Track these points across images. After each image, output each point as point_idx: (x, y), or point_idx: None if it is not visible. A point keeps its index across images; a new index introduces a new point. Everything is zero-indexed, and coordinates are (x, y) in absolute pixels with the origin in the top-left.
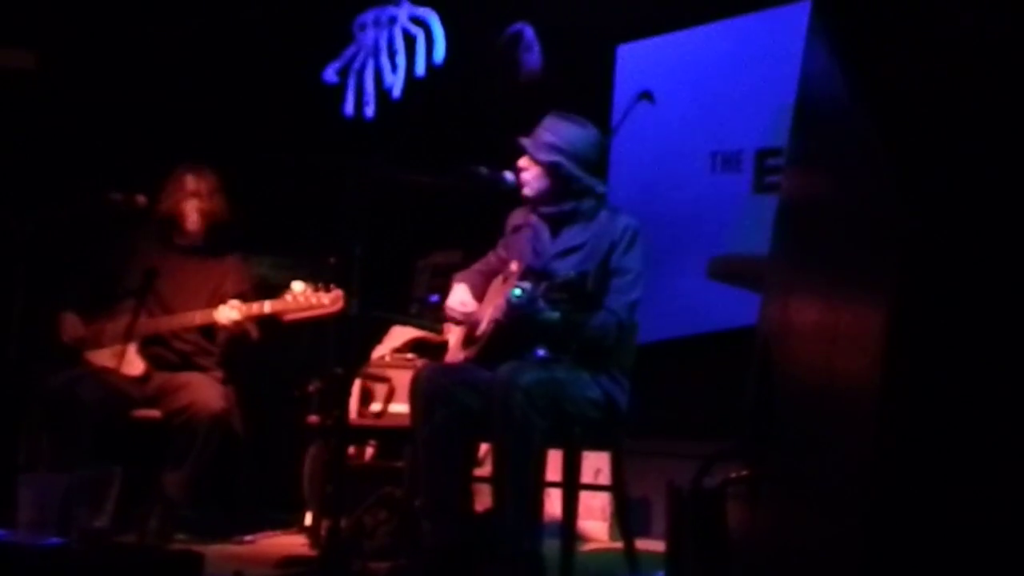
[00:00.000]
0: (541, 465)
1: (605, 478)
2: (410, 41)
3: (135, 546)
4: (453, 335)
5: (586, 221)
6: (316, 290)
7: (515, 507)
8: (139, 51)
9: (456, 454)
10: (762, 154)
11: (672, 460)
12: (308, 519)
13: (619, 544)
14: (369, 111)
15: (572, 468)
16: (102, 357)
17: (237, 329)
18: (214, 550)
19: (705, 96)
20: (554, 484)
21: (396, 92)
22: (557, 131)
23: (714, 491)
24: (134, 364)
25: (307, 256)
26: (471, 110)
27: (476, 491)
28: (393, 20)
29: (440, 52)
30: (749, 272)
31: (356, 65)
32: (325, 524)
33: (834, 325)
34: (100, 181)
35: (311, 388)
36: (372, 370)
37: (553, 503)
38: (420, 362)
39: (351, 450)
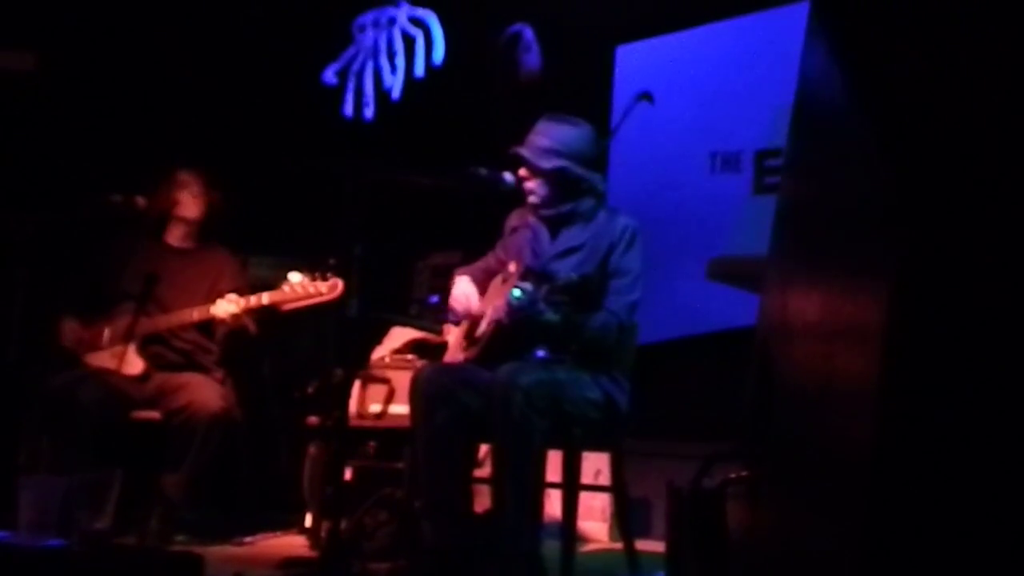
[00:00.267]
0: (541, 466)
1: (605, 479)
2: (409, 42)
3: (135, 548)
4: (453, 336)
5: (585, 222)
6: (314, 279)
7: (515, 508)
8: (139, 53)
9: (456, 455)
10: (761, 155)
11: (672, 461)
12: (308, 520)
13: (619, 545)
14: (368, 112)
15: (572, 469)
16: (102, 358)
17: (235, 323)
18: (214, 551)
19: (705, 97)
20: (554, 485)
21: (395, 93)
22: (553, 135)
23: (714, 491)
24: (133, 364)
25: (307, 257)
26: (470, 111)
27: (476, 492)
28: (392, 21)
29: (439, 53)
30: (749, 273)
31: (355, 66)
32: (325, 525)
33: (833, 325)
34: (100, 183)
35: (311, 389)
36: (372, 371)
37: (553, 504)
38: (420, 363)
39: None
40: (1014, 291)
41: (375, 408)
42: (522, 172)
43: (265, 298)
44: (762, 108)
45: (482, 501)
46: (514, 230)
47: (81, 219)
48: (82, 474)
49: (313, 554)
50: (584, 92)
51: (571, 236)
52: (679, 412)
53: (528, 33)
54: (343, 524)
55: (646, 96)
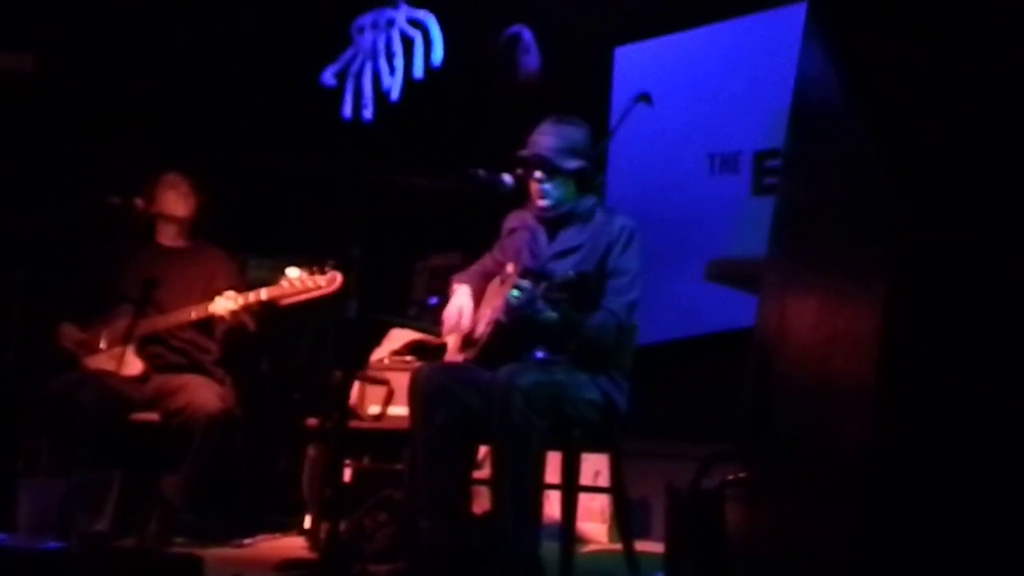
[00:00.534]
0: (540, 467)
1: (604, 480)
2: (408, 44)
3: (134, 550)
4: (452, 337)
5: (583, 222)
6: (312, 273)
7: (514, 509)
8: (137, 54)
9: (455, 456)
10: (760, 156)
11: (671, 462)
12: (307, 522)
13: (618, 546)
14: (367, 114)
15: (571, 470)
16: (100, 361)
17: (234, 320)
18: (213, 553)
19: (703, 98)
20: (553, 486)
21: (394, 95)
22: (565, 135)
23: (713, 492)
24: (132, 364)
25: (306, 259)
26: (469, 113)
27: (475, 493)
28: (391, 23)
29: (438, 54)
30: (747, 274)
31: (354, 68)
32: (324, 527)
33: (831, 326)
34: (98, 185)
35: (310, 390)
36: (371, 373)
37: (552, 505)
38: (419, 364)
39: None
40: (1010, 292)
41: (374, 409)
42: (539, 175)
43: (263, 294)
44: (760, 109)
45: (481, 502)
46: (512, 231)
47: (79, 220)
48: (81, 476)
49: (312, 556)
50: (583, 93)
51: (569, 236)
52: (678, 413)
53: (527, 34)
54: (342, 525)
55: (645, 97)
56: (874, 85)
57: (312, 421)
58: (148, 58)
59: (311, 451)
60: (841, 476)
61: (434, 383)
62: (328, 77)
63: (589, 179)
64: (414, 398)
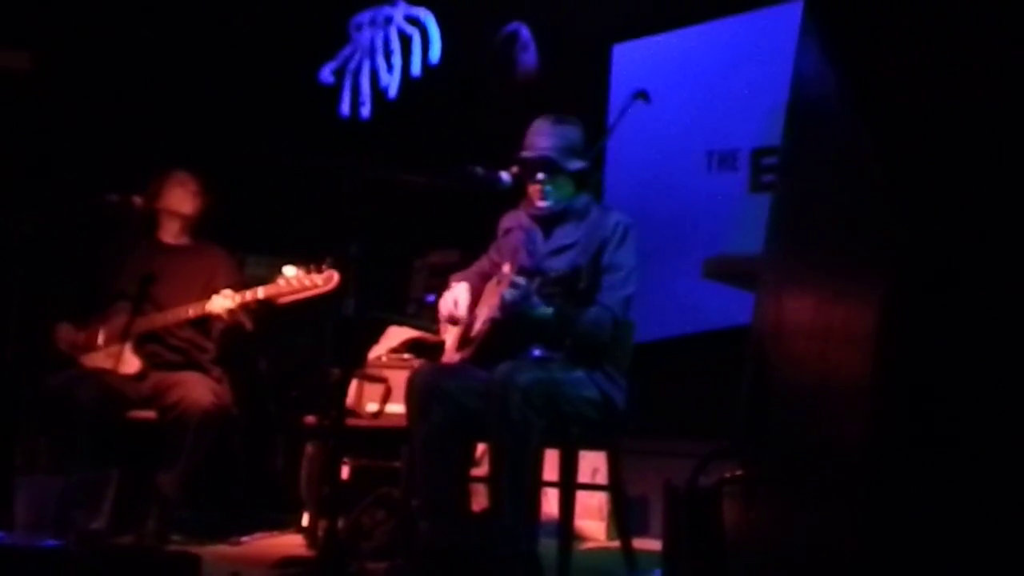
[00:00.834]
0: (538, 465)
1: (602, 477)
2: (406, 41)
3: (132, 547)
4: (450, 335)
5: (578, 220)
6: (309, 272)
7: (512, 507)
8: (134, 52)
9: (453, 454)
10: (758, 153)
11: (669, 459)
12: (305, 519)
13: (616, 543)
14: (365, 111)
15: (569, 468)
16: (98, 359)
17: (231, 319)
18: (211, 551)
19: (701, 95)
20: (551, 484)
21: (392, 92)
22: (564, 135)
23: (710, 490)
24: (130, 362)
25: (304, 256)
26: (467, 110)
27: (473, 491)
28: (389, 20)
29: (436, 52)
30: (745, 271)
31: (352, 65)
32: (322, 524)
33: (827, 323)
34: (96, 182)
35: (308, 388)
36: (369, 370)
37: (550, 502)
38: (417, 362)
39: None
40: (1007, 290)
41: (372, 407)
42: (540, 176)
43: (260, 292)
44: (758, 107)
45: (479, 500)
46: (507, 232)
47: (77, 218)
48: (78, 474)
49: (310, 553)
50: (580, 91)
51: (565, 234)
52: (676, 411)
53: (524, 32)
54: (340, 523)
55: (642, 95)
56: (870, 83)
57: (310, 419)
58: (145, 56)
59: (309, 449)
60: (838, 473)
61: (431, 382)
62: (326, 74)
63: (587, 178)
64: (411, 397)
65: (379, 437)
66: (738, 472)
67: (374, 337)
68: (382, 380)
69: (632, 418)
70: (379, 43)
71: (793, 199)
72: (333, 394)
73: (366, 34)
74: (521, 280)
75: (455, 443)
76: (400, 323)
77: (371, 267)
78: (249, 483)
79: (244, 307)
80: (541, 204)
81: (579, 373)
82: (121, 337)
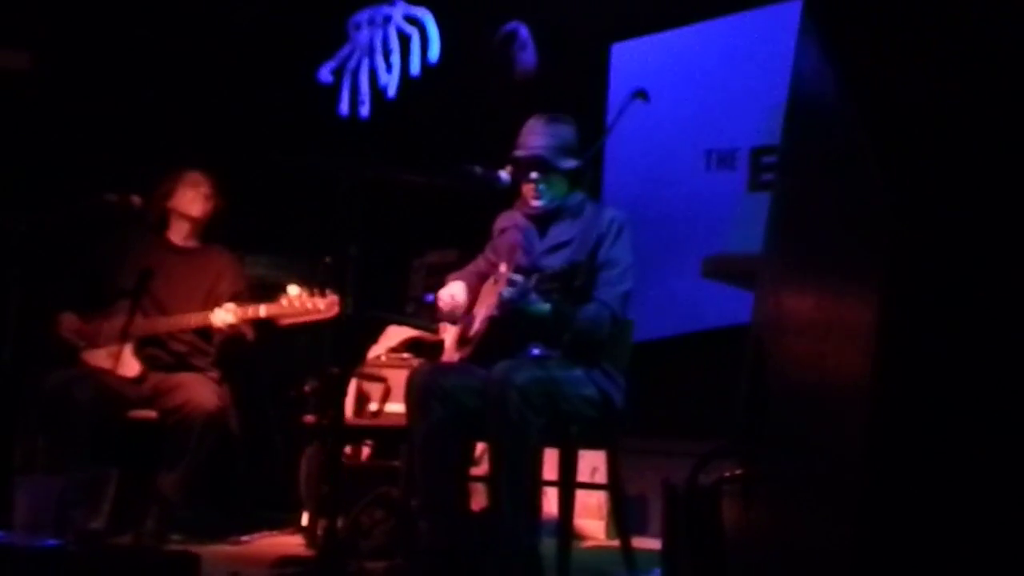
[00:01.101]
0: (537, 464)
1: (601, 476)
2: (405, 40)
3: (131, 547)
4: (449, 335)
5: (573, 217)
6: (312, 295)
7: (511, 506)
8: (133, 52)
9: (452, 453)
10: (757, 152)
11: (668, 458)
12: (305, 519)
13: (615, 542)
14: (364, 111)
15: (568, 467)
16: (98, 358)
17: (233, 331)
18: (210, 551)
19: (700, 94)
20: (551, 483)
21: (391, 91)
22: (559, 134)
23: (709, 489)
24: (130, 365)
25: (302, 256)
26: (466, 109)
27: (473, 490)
28: (388, 19)
29: (435, 51)
30: (743, 270)
31: (351, 65)
32: (322, 524)
33: (825, 322)
34: (95, 182)
35: (307, 388)
36: (368, 370)
37: (550, 501)
38: (416, 362)
39: (348, 450)
40: (1006, 288)
41: (372, 407)
42: (533, 175)
43: (263, 310)
44: (757, 105)
45: (479, 499)
46: (503, 231)
47: (76, 218)
48: (78, 473)
49: (310, 553)
50: (579, 90)
51: (560, 231)
52: (675, 410)
53: (523, 31)
54: (340, 523)
55: (641, 94)
56: (869, 82)
57: (309, 418)
58: (143, 56)
59: (308, 448)
60: (837, 472)
61: (431, 382)
62: (325, 74)
63: (581, 176)
64: (411, 396)
65: (379, 436)
66: (737, 471)
67: (373, 336)
68: (382, 379)
69: (631, 417)
70: (378, 43)
71: (792, 198)
72: (332, 393)
73: (365, 33)
74: (519, 278)
75: (454, 442)
76: (399, 322)
77: (370, 266)
78: (248, 483)
79: (245, 321)
80: (535, 203)
81: (578, 372)
82: (120, 337)
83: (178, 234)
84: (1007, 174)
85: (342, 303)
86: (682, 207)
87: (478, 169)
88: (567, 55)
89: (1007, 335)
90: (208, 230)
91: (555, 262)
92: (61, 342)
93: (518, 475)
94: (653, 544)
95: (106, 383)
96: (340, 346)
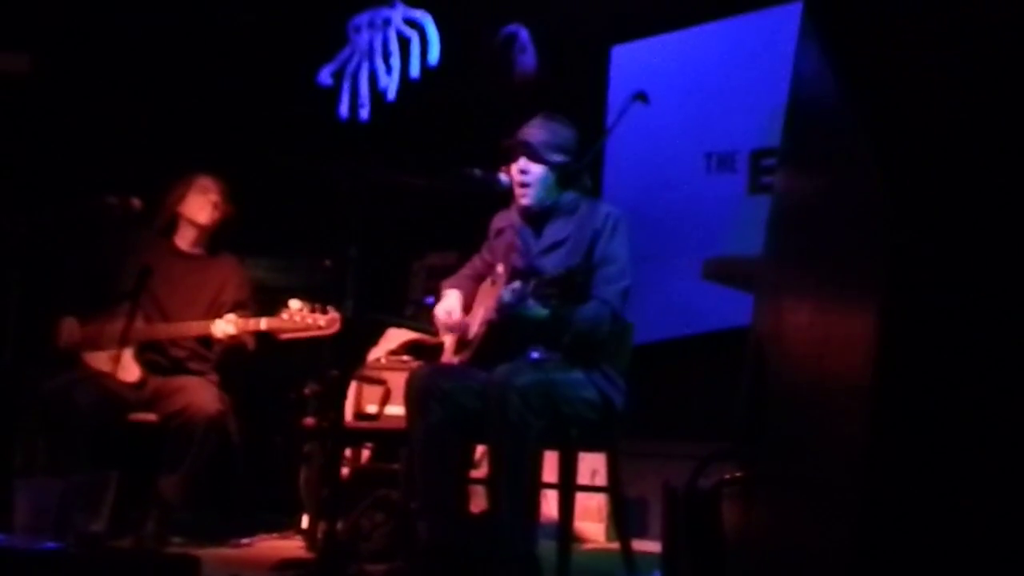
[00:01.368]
0: (537, 467)
1: (601, 479)
2: (404, 43)
3: (132, 550)
4: (449, 337)
5: (568, 215)
6: (313, 310)
7: (511, 509)
8: (132, 54)
9: (452, 455)
10: (757, 154)
11: (668, 461)
12: (305, 522)
13: (615, 545)
14: (364, 113)
15: (568, 469)
16: (98, 361)
17: (233, 341)
18: (211, 553)
19: (700, 97)
20: (551, 485)
21: (391, 94)
22: (554, 131)
23: (709, 492)
24: (130, 370)
25: (303, 258)
26: (466, 112)
27: (472, 493)
28: (387, 22)
29: (434, 54)
30: (744, 273)
31: (351, 67)
32: (322, 527)
33: (826, 325)
34: (95, 184)
35: (307, 391)
36: (368, 372)
37: (550, 504)
38: (416, 364)
39: (347, 453)
40: (1006, 293)
41: (371, 409)
42: (521, 164)
43: (263, 324)
44: (757, 108)
45: (478, 502)
46: (499, 232)
47: (76, 220)
48: (78, 476)
49: (310, 555)
50: (579, 92)
51: (555, 230)
52: (675, 412)
53: (523, 34)
54: (339, 525)
55: (641, 96)
56: (870, 84)
57: (309, 421)
58: (143, 59)
59: (308, 451)
60: (836, 475)
61: (430, 384)
62: (325, 77)
63: (571, 176)
64: (410, 398)
65: (379, 439)
66: (737, 473)
67: (373, 339)
68: (381, 382)
69: (631, 419)
70: (378, 45)
71: (793, 200)
72: (332, 396)
73: (364, 36)
74: (517, 284)
75: (454, 444)
76: (399, 325)
77: (370, 269)
78: (248, 485)
79: (246, 333)
80: (523, 201)
81: (578, 374)
82: (121, 341)
83: (185, 239)
84: (1008, 178)
85: (342, 311)
86: (682, 209)
87: (478, 172)
88: (567, 58)
89: (1007, 339)
90: (215, 237)
91: (552, 261)
92: (60, 349)
93: (517, 478)
94: (653, 547)
95: (107, 386)
96: (340, 349)
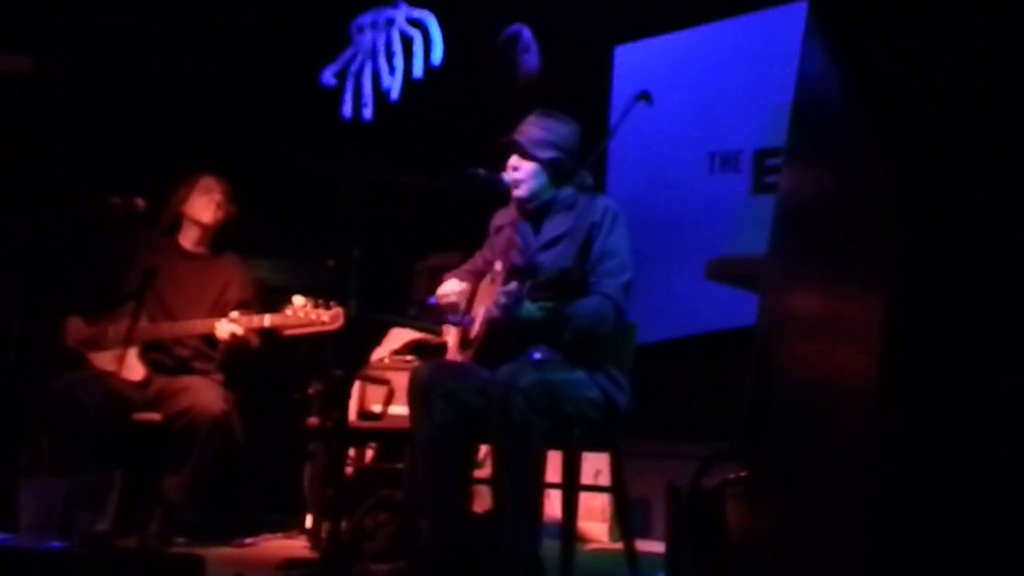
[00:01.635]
0: (540, 466)
1: (605, 479)
2: (408, 43)
3: (136, 550)
4: (452, 337)
5: (566, 211)
6: (316, 306)
7: (514, 508)
8: (135, 55)
9: (455, 455)
10: (761, 154)
11: (672, 461)
12: (308, 521)
13: (619, 545)
14: (367, 113)
15: (572, 469)
16: (103, 360)
17: (237, 339)
18: (215, 553)
19: (703, 96)
20: (554, 485)
21: (394, 94)
22: (547, 127)
23: (713, 491)
24: (135, 369)
25: (306, 258)
26: (469, 112)
27: (476, 492)
28: (391, 22)
29: (438, 54)
30: (748, 272)
31: (354, 67)
32: (325, 526)
33: (831, 324)
34: (98, 185)
35: (311, 390)
36: (371, 372)
37: (553, 504)
38: (419, 364)
39: (351, 452)
40: (1012, 290)
41: (375, 409)
42: (512, 161)
43: (267, 320)
44: (761, 108)
45: (482, 501)
46: (499, 229)
47: (80, 220)
48: (83, 476)
49: (313, 555)
50: (583, 92)
51: (554, 226)
52: (679, 412)
53: (526, 33)
54: (343, 525)
55: (645, 96)
56: (876, 83)
57: (313, 421)
58: (146, 59)
59: (312, 451)
60: (841, 475)
61: (433, 382)
62: (328, 77)
63: (565, 172)
64: (413, 397)
65: (382, 439)
66: (741, 473)
67: (376, 339)
68: (385, 382)
69: (634, 419)
70: (381, 45)
71: (798, 199)
72: (336, 396)
73: (368, 36)
74: (513, 286)
75: (457, 444)
76: (402, 325)
77: (373, 269)
78: (252, 485)
79: (250, 331)
80: (516, 193)
81: (581, 374)
82: (126, 340)
83: (188, 239)
84: (1013, 176)
85: (345, 309)
86: (686, 209)
87: (481, 172)
88: (570, 57)
89: (1013, 337)
90: (219, 237)
91: (550, 258)
92: (66, 349)
93: (521, 478)
94: (657, 547)
95: (111, 386)
96: (343, 349)
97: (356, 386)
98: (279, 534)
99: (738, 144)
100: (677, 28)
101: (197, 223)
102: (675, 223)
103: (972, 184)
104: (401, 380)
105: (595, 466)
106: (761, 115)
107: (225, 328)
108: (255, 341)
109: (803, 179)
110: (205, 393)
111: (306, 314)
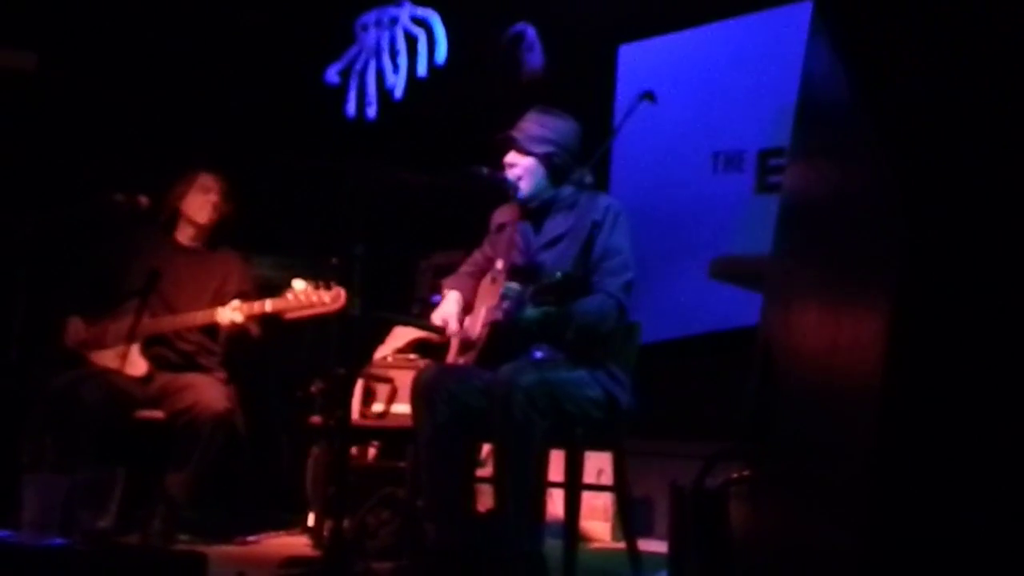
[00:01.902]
0: (542, 465)
1: (607, 478)
2: (412, 42)
3: (138, 547)
4: (454, 337)
5: (567, 209)
6: (317, 288)
7: (516, 508)
8: (140, 52)
9: (458, 454)
10: (764, 154)
11: (674, 460)
12: (311, 519)
13: (622, 544)
14: (371, 112)
15: (574, 468)
16: (105, 358)
17: (238, 328)
18: (217, 551)
19: (707, 96)
20: (556, 484)
21: (398, 93)
22: (544, 123)
23: (716, 491)
24: (137, 365)
25: (309, 257)
26: (473, 111)
27: (478, 491)
28: (395, 21)
29: (442, 52)
30: (751, 272)
31: (358, 66)
32: (328, 524)
33: (835, 325)
34: (101, 182)
35: (314, 389)
36: (374, 370)
37: (555, 503)
38: (422, 362)
39: (354, 451)
40: (1018, 293)
41: (378, 407)
42: (509, 158)
43: (268, 305)
44: (765, 107)
45: (484, 500)
46: (500, 227)
47: (83, 218)
48: (85, 473)
49: (316, 553)
50: (586, 91)
51: (555, 225)
52: (681, 411)
53: (531, 32)
54: (346, 523)
55: (648, 95)
56: (881, 84)
57: (316, 419)
58: (150, 57)
59: (315, 449)
60: (844, 476)
61: (436, 383)
62: (332, 75)
63: (563, 169)
64: (416, 397)
65: (385, 437)
66: (745, 473)
67: (380, 337)
68: (388, 380)
69: (637, 418)
70: (385, 44)
71: (802, 199)
72: (339, 394)
73: (372, 35)
74: (515, 287)
75: (460, 443)
76: (405, 323)
77: (376, 267)
78: (255, 483)
79: (251, 318)
80: (518, 194)
81: (583, 373)
82: (127, 338)
83: (185, 235)
84: (1019, 174)
85: (348, 298)
86: (689, 209)
87: (484, 170)
88: (574, 56)
89: (1020, 337)
90: (215, 234)
91: (551, 257)
92: (66, 349)
93: (523, 477)
94: (659, 546)
95: (114, 383)
96: (346, 347)
97: (359, 384)
98: (281, 532)
99: (742, 144)
100: (681, 28)
101: (192, 221)
102: (679, 223)
103: (978, 183)
104: (404, 378)
105: (597, 465)
106: (765, 115)
107: (226, 315)
108: (256, 330)
109: (807, 179)
110: (208, 391)
111: (307, 297)
